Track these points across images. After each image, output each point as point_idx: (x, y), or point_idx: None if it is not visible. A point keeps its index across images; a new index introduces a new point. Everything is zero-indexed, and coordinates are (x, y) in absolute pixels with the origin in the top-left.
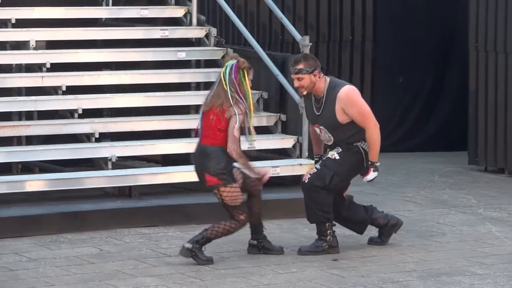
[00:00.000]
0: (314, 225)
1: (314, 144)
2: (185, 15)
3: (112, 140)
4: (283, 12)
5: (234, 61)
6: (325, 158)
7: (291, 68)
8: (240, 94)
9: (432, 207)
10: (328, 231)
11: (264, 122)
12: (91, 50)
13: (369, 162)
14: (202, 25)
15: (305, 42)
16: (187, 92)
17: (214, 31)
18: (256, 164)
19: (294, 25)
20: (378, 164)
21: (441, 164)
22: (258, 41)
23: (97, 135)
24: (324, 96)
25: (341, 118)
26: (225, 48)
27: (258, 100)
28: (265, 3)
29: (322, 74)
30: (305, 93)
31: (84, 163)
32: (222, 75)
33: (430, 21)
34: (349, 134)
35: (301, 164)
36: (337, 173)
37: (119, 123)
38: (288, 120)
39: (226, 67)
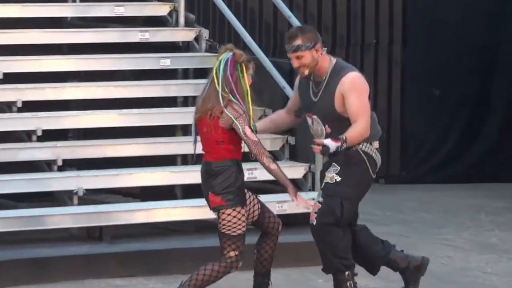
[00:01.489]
0: (330, 276)
1: (266, 121)
2: (170, 14)
3: (79, 169)
4: (291, 9)
5: (229, 54)
6: (323, 185)
7: (287, 46)
8: (237, 94)
9: (478, 252)
10: (348, 283)
11: (267, 146)
12: (54, 56)
13: (341, 137)
14: (191, 26)
15: None
16: (172, 109)
17: (205, 33)
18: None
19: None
20: (344, 144)
21: (488, 198)
22: (260, 46)
23: (60, 163)
24: (326, 79)
25: (340, 107)
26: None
27: (260, 118)
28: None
29: (325, 51)
30: (306, 72)
31: (44, 197)
32: (214, 71)
33: (473, 19)
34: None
35: (313, 199)
36: (345, 197)
37: (88, 148)
38: (297, 144)
39: (220, 61)
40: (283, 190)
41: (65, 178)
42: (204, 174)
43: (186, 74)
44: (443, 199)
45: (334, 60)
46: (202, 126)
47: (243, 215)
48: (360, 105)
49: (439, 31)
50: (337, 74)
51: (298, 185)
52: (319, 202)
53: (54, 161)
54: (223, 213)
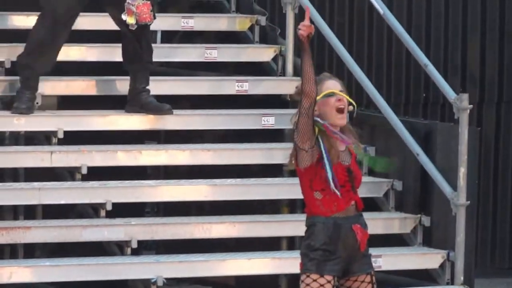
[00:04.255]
0: None
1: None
2: (275, 59)
3: (157, 253)
4: (428, 56)
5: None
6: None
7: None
8: None
9: None
10: None
11: (396, 228)
12: (123, 113)
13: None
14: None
15: (462, 104)
16: (276, 179)
17: None
18: None
19: (445, 77)
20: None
21: None
22: (388, 101)
23: (134, 244)
24: None
25: None
26: None
27: (387, 193)
28: (398, 44)
29: None
30: None
31: (115, 286)
32: None
33: None
34: None
35: None
36: None
37: (170, 227)
38: (433, 226)
39: None
40: (412, 283)
41: (140, 264)
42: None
43: None
44: None
45: None
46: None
47: (318, 282)
48: None
49: None
50: None
51: (433, 276)
52: None
53: (127, 243)
54: (301, 281)
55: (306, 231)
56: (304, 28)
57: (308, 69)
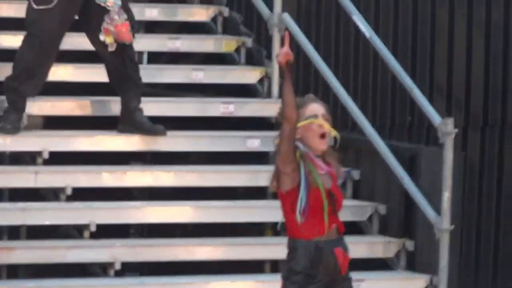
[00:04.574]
0: None
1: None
2: (260, 81)
3: (142, 275)
4: (414, 80)
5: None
6: None
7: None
8: None
9: None
10: None
11: (379, 252)
12: (112, 132)
13: None
14: None
15: (447, 128)
16: (261, 202)
17: None
18: None
19: (431, 100)
20: None
21: None
22: (373, 124)
23: (118, 266)
24: None
25: None
26: None
27: (371, 217)
28: (384, 67)
29: None
30: None
31: None
32: None
33: None
34: None
35: None
36: None
37: (154, 248)
38: (417, 250)
39: None
40: None
41: (124, 286)
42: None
43: None
44: None
45: None
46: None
47: None
48: None
49: None
50: None
51: None
52: None
53: (111, 264)
54: None
55: (288, 254)
56: (283, 55)
57: (288, 94)
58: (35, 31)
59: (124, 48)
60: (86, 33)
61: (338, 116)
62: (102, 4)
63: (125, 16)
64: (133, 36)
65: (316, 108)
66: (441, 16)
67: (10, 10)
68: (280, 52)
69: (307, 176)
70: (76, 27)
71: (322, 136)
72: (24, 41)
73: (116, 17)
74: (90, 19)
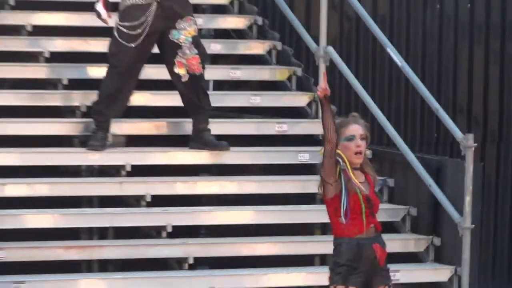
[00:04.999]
0: None
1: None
2: (309, 104)
3: (211, 268)
4: (439, 102)
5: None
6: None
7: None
8: None
9: None
10: None
11: (411, 248)
12: (184, 149)
13: None
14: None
15: (468, 142)
16: (311, 206)
17: None
18: None
19: (454, 119)
20: None
21: None
22: (405, 140)
23: (191, 261)
24: None
25: None
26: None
27: (404, 218)
28: (414, 91)
29: None
30: None
31: None
32: None
33: None
34: None
35: None
36: None
37: (222, 246)
38: (443, 245)
39: None
40: None
41: (196, 277)
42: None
43: None
44: None
45: None
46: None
47: None
48: None
49: None
50: None
51: None
52: None
53: (185, 260)
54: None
55: (334, 250)
56: (321, 90)
57: (327, 120)
58: (115, 62)
59: (195, 78)
60: (165, 64)
61: (375, 133)
62: (175, 41)
63: (196, 51)
64: (203, 68)
65: (355, 129)
66: (462, 47)
67: (97, 46)
68: (319, 87)
69: (347, 184)
70: (155, 60)
71: (358, 153)
72: (106, 71)
73: (187, 51)
74: (166, 53)
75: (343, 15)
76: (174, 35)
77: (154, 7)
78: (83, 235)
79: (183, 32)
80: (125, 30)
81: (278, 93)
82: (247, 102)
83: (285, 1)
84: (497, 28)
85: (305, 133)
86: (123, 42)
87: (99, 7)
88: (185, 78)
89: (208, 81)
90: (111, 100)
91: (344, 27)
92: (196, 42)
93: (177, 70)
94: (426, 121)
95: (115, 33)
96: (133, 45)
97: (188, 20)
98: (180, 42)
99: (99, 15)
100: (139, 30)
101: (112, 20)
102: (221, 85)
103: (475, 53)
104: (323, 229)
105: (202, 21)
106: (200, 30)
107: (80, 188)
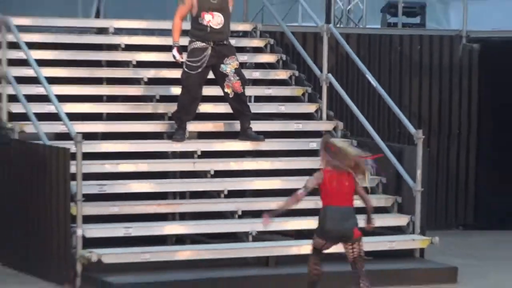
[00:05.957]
0: None
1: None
2: (316, 111)
3: (253, 217)
4: (400, 109)
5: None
6: None
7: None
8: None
9: None
10: None
11: (383, 203)
12: (235, 141)
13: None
14: (331, 120)
15: (418, 135)
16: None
17: (341, 125)
18: (375, 238)
19: (409, 120)
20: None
21: None
22: (378, 134)
23: (240, 213)
24: None
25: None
26: (351, 140)
27: (377, 184)
28: (384, 103)
29: None
30: None
31: (228, 237)
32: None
33: None
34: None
35: (413, 240)
36: None
37: (259, 203)
38: (403, 202)
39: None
40: (393, 233)
41: (243, 224)
42: (348, 214)
43: None
44: None
45: None
46: (342, 180)
47: None
48: None
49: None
50: None
51: (403, 229)
52: None
53: (235, 212)
54: (360, 243)
55: (319, 218)
56: (264, 222)
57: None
58: (185, 84)
59: (238, 95)
60: (218, 82)
61: (359, 129)
62: (224, 72)
63: (238, 78)
64: (243, 88)
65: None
66: (415, 75)
67: (176, 74)
68: (263, 221)
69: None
70: (212, 83)
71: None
72: (181, 90)
73: (232, 78)
74: (218, 79)
75: (338, 53)
76: (223, 68)
77: (209, 49)
78: (169, 196)
79: (229, 66)
80: (191, 64)
81: (296, 104)
82: (276, 109)
83: (300, 44)
84: (436, 66)
85: (314, 129)
86: (190, 71)
87: (175, 52)
88: (231, 95)
89: (250, 96)
90: (185, 111)
91: (339, 60)
92: (237, 72)
93: (226, 90)
94: (392, 122)
95: (184, 66)
96: (195, 73)
97: (232, 58)
98: (227, 73)
99: (174, 57)
100: (199, 63)
101: (182, 58)
102: (259, 99)
103: (423, 80)
104: None
105: (246, 57)
106: (244, 63)
107: (168, 165)
